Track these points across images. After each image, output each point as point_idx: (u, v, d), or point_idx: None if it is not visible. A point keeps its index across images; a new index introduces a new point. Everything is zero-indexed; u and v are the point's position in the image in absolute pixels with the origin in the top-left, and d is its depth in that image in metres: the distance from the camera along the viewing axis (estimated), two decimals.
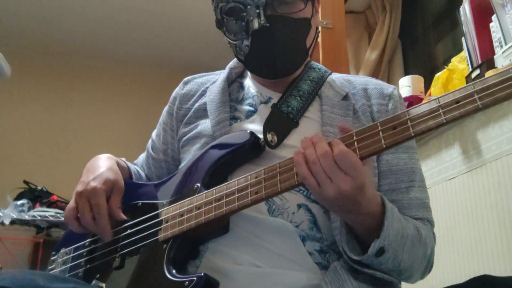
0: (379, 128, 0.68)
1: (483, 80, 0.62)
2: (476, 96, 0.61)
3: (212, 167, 0.86)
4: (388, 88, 0.97)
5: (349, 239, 0.77)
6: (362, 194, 0.69)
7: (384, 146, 0.67)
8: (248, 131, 0.86)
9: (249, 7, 0.87)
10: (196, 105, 1.01)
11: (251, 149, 0.86)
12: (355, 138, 0.70)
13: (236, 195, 0.77)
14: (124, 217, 0.88)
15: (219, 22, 0.94)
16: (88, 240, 0.93)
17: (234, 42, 0.93)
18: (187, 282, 0.72)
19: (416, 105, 0.67)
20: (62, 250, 0.96)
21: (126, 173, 1.05)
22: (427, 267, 0.86)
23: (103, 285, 0.85)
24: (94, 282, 0.87)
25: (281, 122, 0.90)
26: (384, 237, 0.72)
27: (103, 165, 0.95)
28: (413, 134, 0.66)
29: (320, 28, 1.94)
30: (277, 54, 0.91)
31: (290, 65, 0.95)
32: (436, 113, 0.64)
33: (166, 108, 1.09)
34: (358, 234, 0.78)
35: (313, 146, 0.70)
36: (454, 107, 0.63)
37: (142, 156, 1.17)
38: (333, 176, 0.67)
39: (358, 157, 0.68)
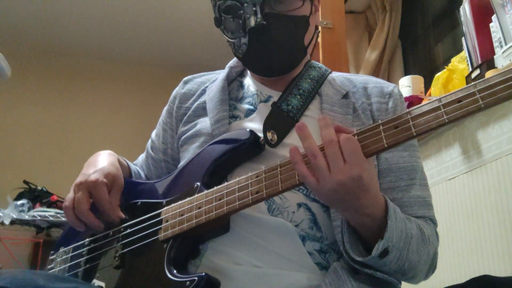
0: (381, 127, 0.68)
1: (485, 80, 0.61)
2: (478, 96, 0.61)
3: (211, 166, 0.85)
4: (389, 86, 0.96)
5: (353, 240, 0.76)
6: (362, 190, 0.68)
7: (385, 145, 0.67)
8: (248, 130, 0.86)
9: (246, 5, 0.87)
10: (196, 104, 1.01)
11: (251, 148, 0.85)
12: (356, 138, 0.69)
13: (237, 194, 0.76)
14: (123, 215, 0.88)
15: (217, 20, 0.94)
16: (87, 239, 0.93)
17: (232, 40, 0.93)
18: (188, 282, 0.72)
19: (418, 105, 0.67)
20: (61, 250, 0.96)
21: (127, 171, 1.04)
22: (431, 267, 0.85)
23: (103, 284, 0.85)
24: (94, 281, 0.86)
25: (281, 121, 0.90)
26: (388, 238, 0.71)
27: (105, 160, 0.96)
28: (414, 134, 0.65)
29: (320, 28, 1.95)
30: (274, 51, 0.91)
31: (288, 63, 0.95)
32: (438, 113, 0.64)
33: (166, 108, 1.09)
34: (361, 235, 0.77)
35: (311, 138, 0.69)
36: (456, 106, 0.63)
37: (142, 157, 1.16)
38: (333, 165, 0.66)
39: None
